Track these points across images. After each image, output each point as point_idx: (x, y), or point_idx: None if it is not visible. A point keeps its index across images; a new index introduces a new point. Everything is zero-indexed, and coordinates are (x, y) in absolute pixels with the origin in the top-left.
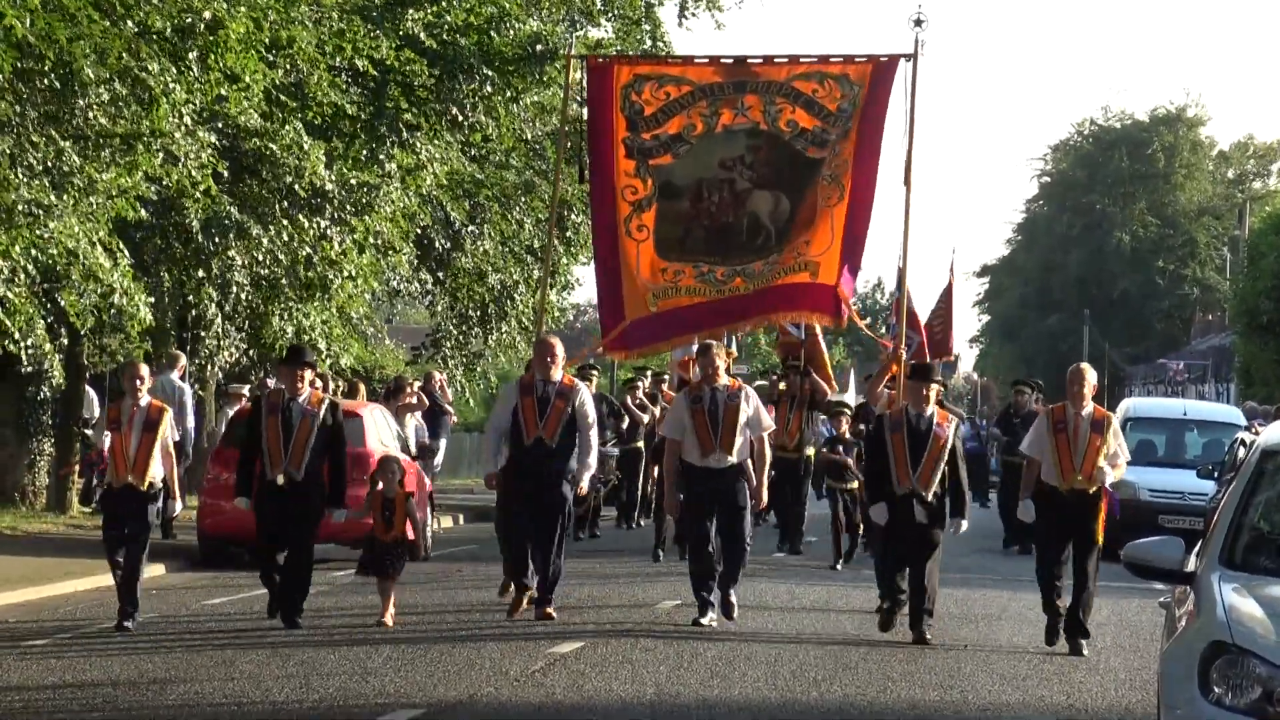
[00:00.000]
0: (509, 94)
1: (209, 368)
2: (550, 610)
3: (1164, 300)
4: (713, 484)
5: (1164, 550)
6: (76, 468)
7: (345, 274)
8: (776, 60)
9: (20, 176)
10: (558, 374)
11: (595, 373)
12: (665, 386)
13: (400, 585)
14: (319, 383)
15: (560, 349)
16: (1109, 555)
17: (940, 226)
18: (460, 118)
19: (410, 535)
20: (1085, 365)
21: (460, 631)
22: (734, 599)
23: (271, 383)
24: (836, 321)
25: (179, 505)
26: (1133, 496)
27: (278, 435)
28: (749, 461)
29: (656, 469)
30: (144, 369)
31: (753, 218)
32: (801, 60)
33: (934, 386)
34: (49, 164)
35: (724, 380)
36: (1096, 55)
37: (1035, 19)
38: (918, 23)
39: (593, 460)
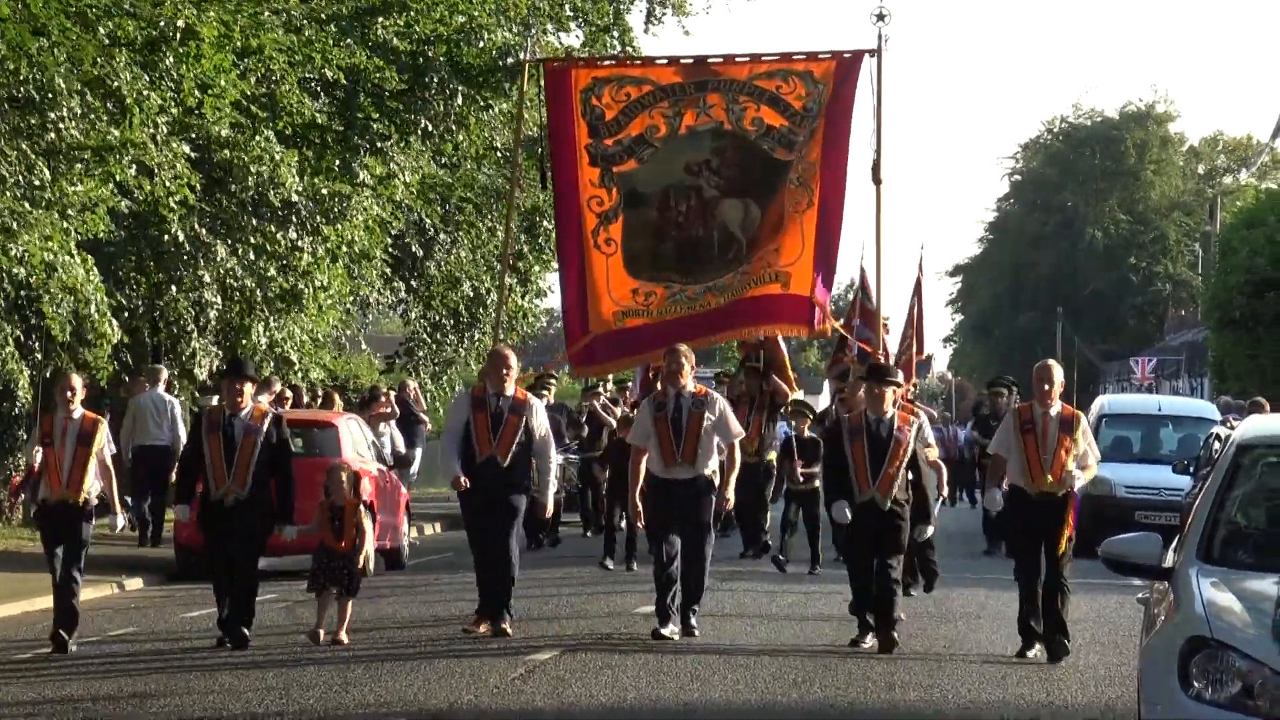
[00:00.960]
0: (478, 104)
1: (182, 381)
2: (506, 626)
3: (1137, 297)
4: (676, 496)
5: (1141, 546)
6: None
7: (317, 284)
8: (738, 59)
9: None
10: (510, 387)
11: (554, 381)
12: (628, 394)
13: (378, 597)
14: (288, 395)
15: (514, 361)
16: (1087, 553)
17: (910, 225)
18: (430, 128)
19: (362, 546)
20: (1052, 362)
21: (439, 641)
22: (694, 622)
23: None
24: (812, 331)
25: (121, 519)
26: (1109, 493)
27: (220, 453)
28: (719, 470)
29: (606, 474)
30: (76, 380)
31: (723, 229)
32: (763, 59)
33: (891, 388)
34: (20, 178)
35: (690, 386)
36: (1066, 53)
37: (1004, 17)
38: (880, 17)
39: (552, 479)
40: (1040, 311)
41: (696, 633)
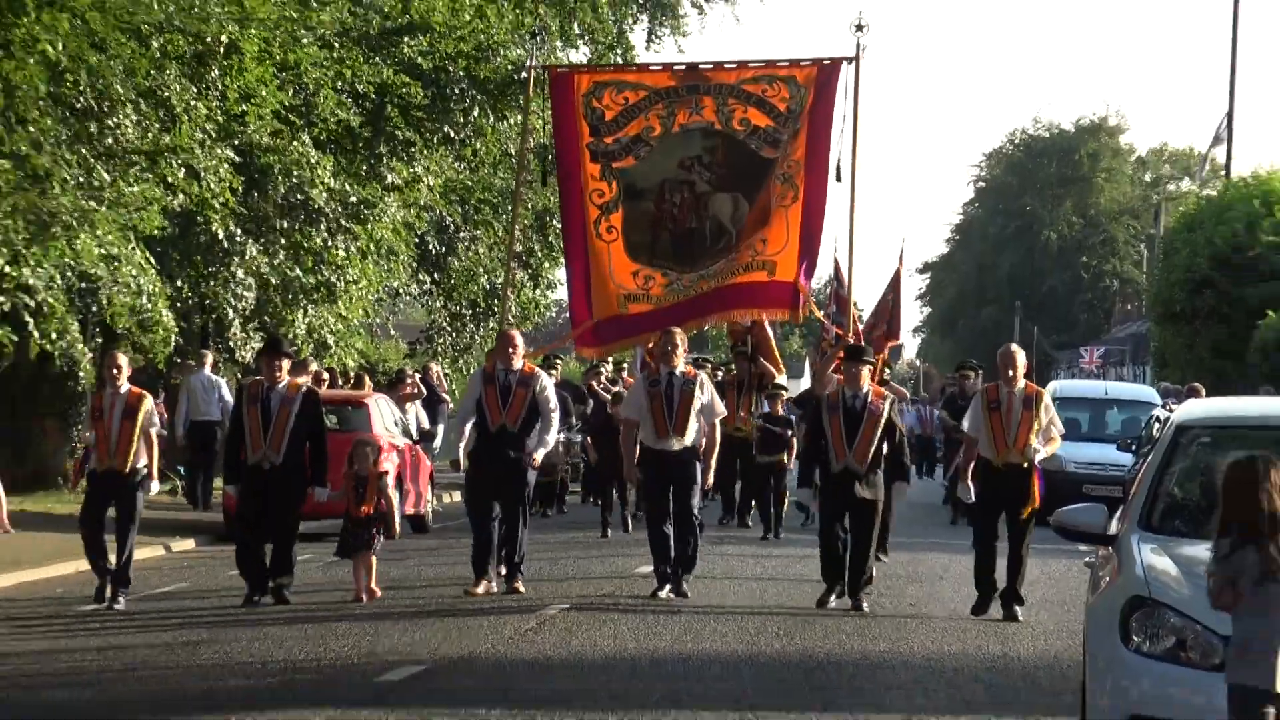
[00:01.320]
0: (495, 115)
1: (228, 365)
2: (519, 584)
3: (1088, 293)
4: (666, 466)
5: (1089, 516)
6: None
7: (349, 279)
8: (726, 65)
9: (56, 189)
10: (518, 363)
11: (560, 361)
12: (625, 373)
13: (404, 556)
14: (325, 376)
15: (520, 340)
16: (1040, 521)
17: (888, 222)
18: (452, 135)
19: (385, 510)
20: (1015, 346)
21: (460, 597)
22: (686, 586)
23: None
24: (794, 315)
25: (156, 486)
26: (1060, 468)
27: (258, 421)
28: (702, 444)
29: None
30: (122, 359)
31: (715, 222)
32: (750, 65)
33: (866, 366)
34: (80, 179)
35: (681, 366)
36: (1028, 70)
37: (973, 40)
38: (859, 28)
39: (551, 438)
40: (1000, 306)
41: (689, 594)
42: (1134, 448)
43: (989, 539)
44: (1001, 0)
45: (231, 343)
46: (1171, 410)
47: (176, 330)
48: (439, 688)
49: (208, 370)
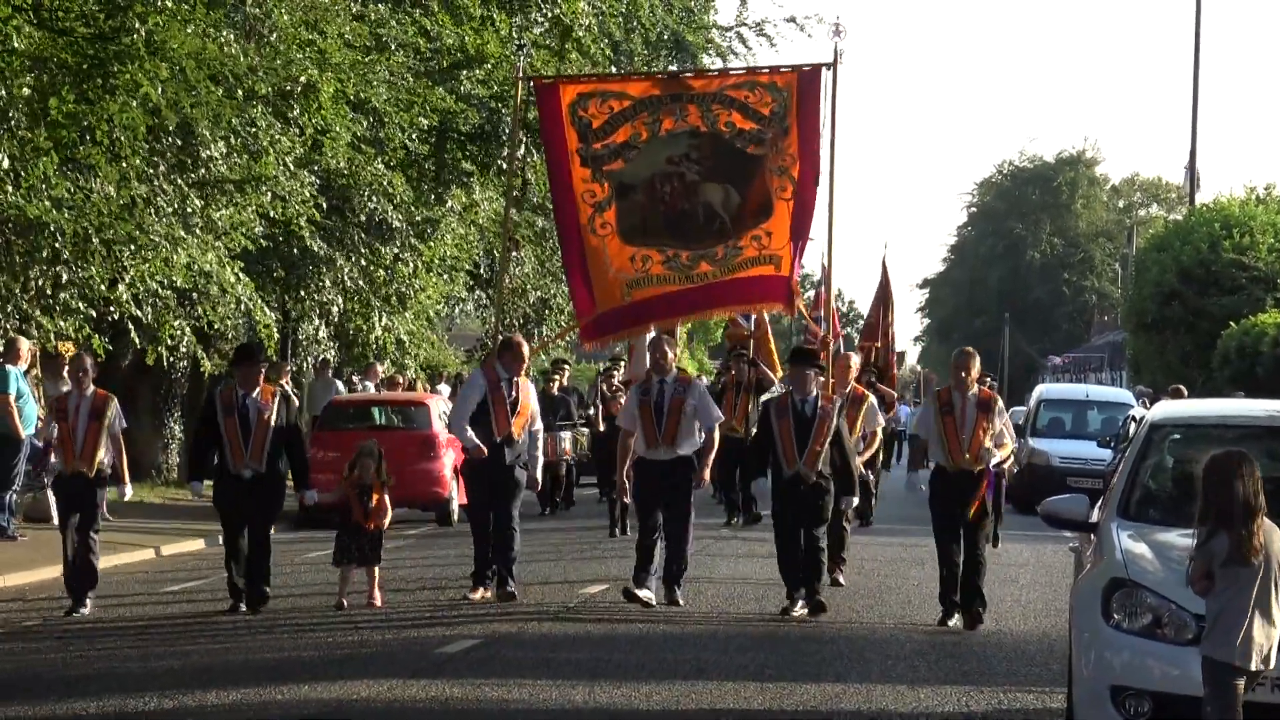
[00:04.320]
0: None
1: (303, 368)
2: (511, 589)
3: (1069, 305)
4: (658, 476)
5: (1073, 505)
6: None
7: (417, 288)
8: (708, 74)
9: (153, 216)
10: (523, 373)
11: (567, 366)
12: (618, 376)
13: (451, 541)
14: (400, 379)
15: (526, 350)
16: (1028, 510)
17: (882, 231)
18: (504, 166)
19: (381, 521)
20: (970, 350)
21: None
22: (678, 594)
23: (356, 379)
24: (789, 309)
25: (129, 489)
26: (1046, 462)
27: (237, 431)
28: (703, 451)
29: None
30: (89, 361)
31: (707, 207)
32: (731, 73)
33: (813, 371)
34: (175, 206)
35: (673, 372)
36: (1014, 108)
37: (966, 64)
38: (836, 31)
39: (539, 452)
40: (991, 317)
41: (681, 602)
42: (1112, 444)
43: (951, 543)
44: (994, 39)
45: (306, 348)
46: (1146, 410)
47: (276, 328)
48: (492, 657)
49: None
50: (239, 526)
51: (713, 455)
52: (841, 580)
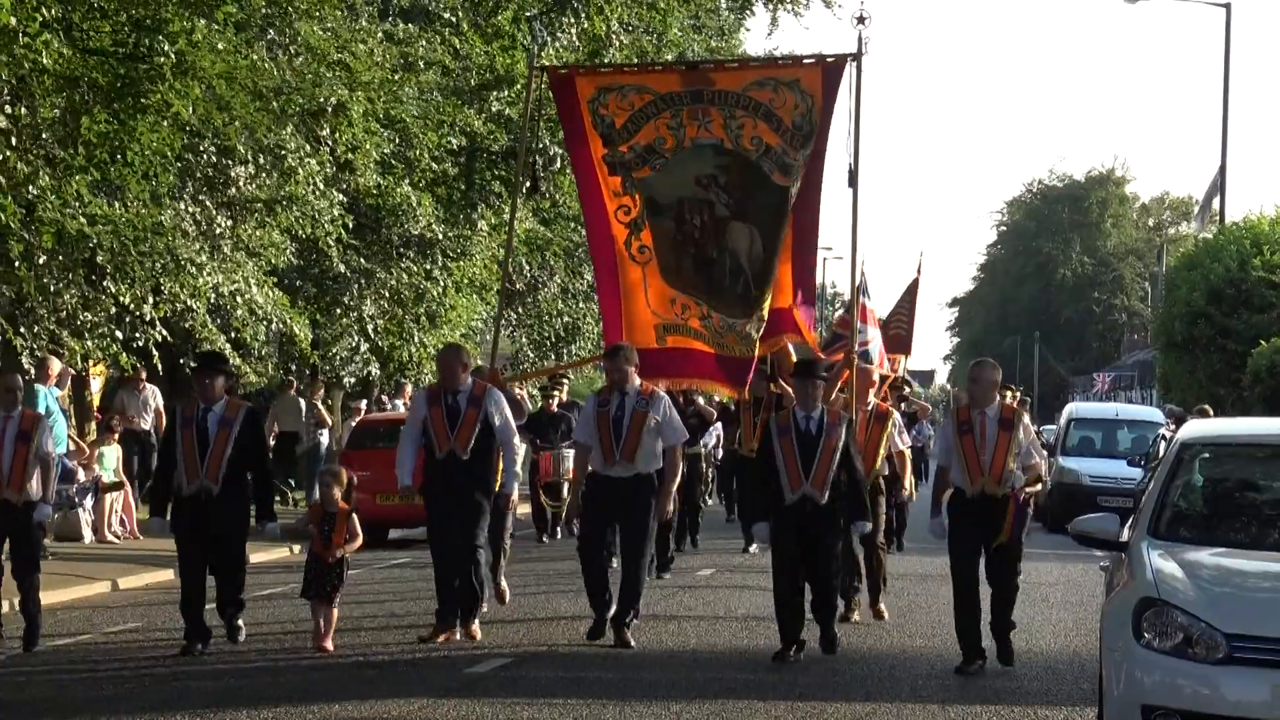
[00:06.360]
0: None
1: (335, 386)
2: (474, 629)
3: (1099, 324)
4: (613, 494)
5: (1103, 524)
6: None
7: (449, 306)
8: (728, 65)
9: (179, 237)
10: (467, 381)
11: (566, 381)
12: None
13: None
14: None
15: (466, 355)
16: (1059, 529)
17: (913, 251)
18: (532, 184)
19: (342, 555)
20: (988, 361)
21: (539, 597)
22: (629, 635)
23: (386, 399)
24: (805, 337)
25: (49, 511)
26: (1077, 481)
27: (193, 447)
28: (665, 476)
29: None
30: (16, 380)
31: (732, 256)
32: (752, 65)
33: (820, 383)
34: (204, 227)
35: (634, 385)
36: (1043, 127)
37: (991, 101)
38: (860, 20)
39: (517, 469)
40: (1021, 335)
41: (632, 644)
42: (1142, 463)
43: (969, 577)
44: (1024, 58)
45: (339, 365)
46: (1176, 429)
47: (310, 339)
48: (522, 676)
49: (291, 392)
50: (198, 554)
51: (675, 483)
52: (884, 612)
